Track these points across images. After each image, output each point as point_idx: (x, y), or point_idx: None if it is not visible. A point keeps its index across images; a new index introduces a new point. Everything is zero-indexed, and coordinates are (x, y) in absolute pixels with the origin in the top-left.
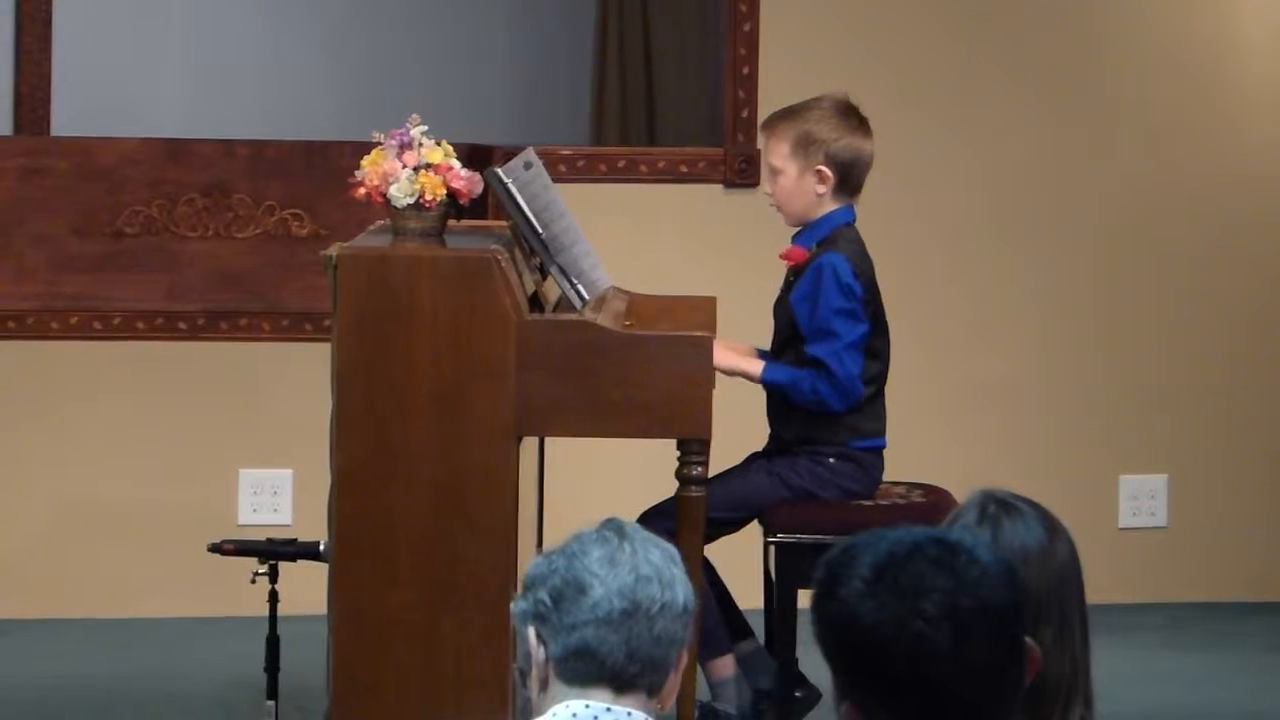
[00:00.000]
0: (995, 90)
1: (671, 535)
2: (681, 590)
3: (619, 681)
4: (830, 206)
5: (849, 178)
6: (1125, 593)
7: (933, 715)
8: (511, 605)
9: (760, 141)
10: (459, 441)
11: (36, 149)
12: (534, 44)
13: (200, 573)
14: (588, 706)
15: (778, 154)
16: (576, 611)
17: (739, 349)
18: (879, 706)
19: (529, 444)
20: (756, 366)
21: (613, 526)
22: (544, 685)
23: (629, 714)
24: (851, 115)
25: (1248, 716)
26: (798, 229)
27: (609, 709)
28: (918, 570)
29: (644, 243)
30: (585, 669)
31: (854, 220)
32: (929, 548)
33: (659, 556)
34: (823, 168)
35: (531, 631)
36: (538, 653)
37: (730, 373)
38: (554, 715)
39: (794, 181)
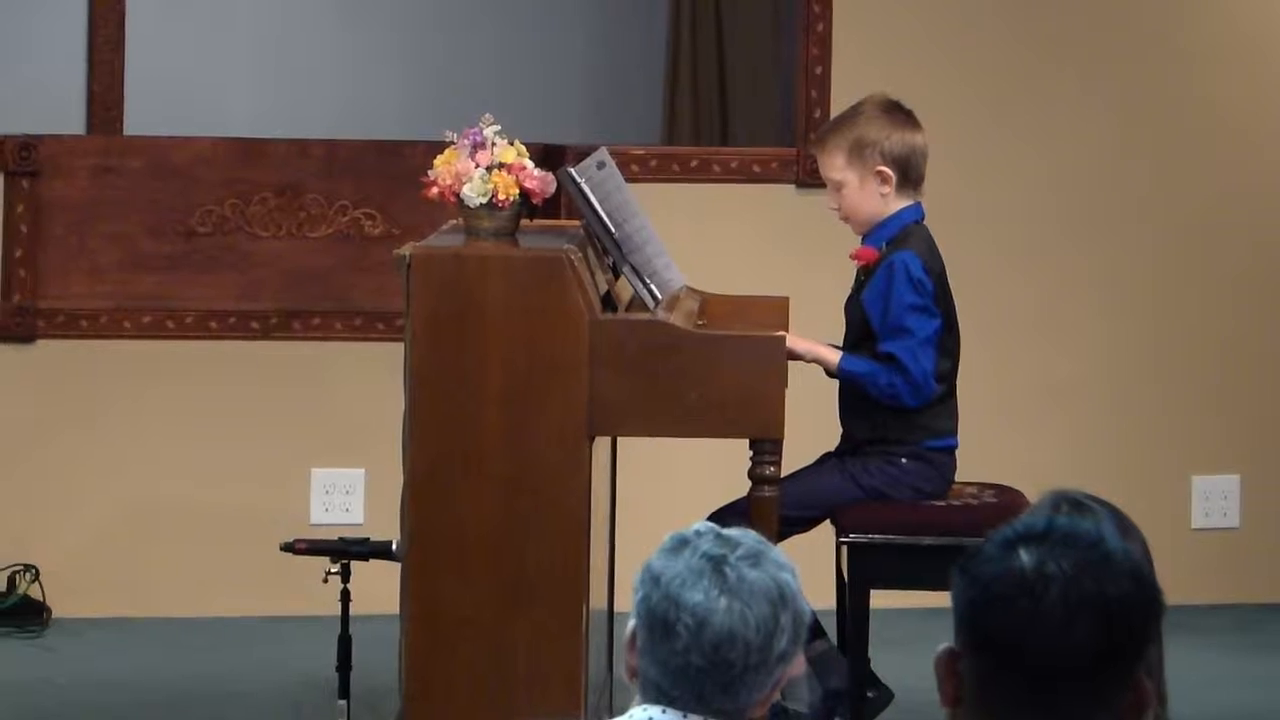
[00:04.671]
0: (1065, 90)
1: None
2: (782, 640)
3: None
4: (897, 205)
5: (909, 172)
6: (1198, 593)
7: (1009, 677)
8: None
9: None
10: (531, 441)
11: (109, 149)
12: (607, 43)
13: (272, 572)
14: (664, 711)
15: (834, 166)
16: (657, 649)
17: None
18: (969, 651)
19: (601, 444)
20: (834, 355)
21: (728, 564)
22: (632, 674)
23: None
24: (896, 111)
25: None
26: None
27: (685, 715)
28: (1057, 541)
29: (716, 243)
30: (657, 695)
31: (922, 218)
32: (1077, 530)
33: (765, 609)
34: (882, 168)
35: (631, 624)
36: (629, 645)
37: (807, 357)
38: (630, 717)
39: (857, 189)
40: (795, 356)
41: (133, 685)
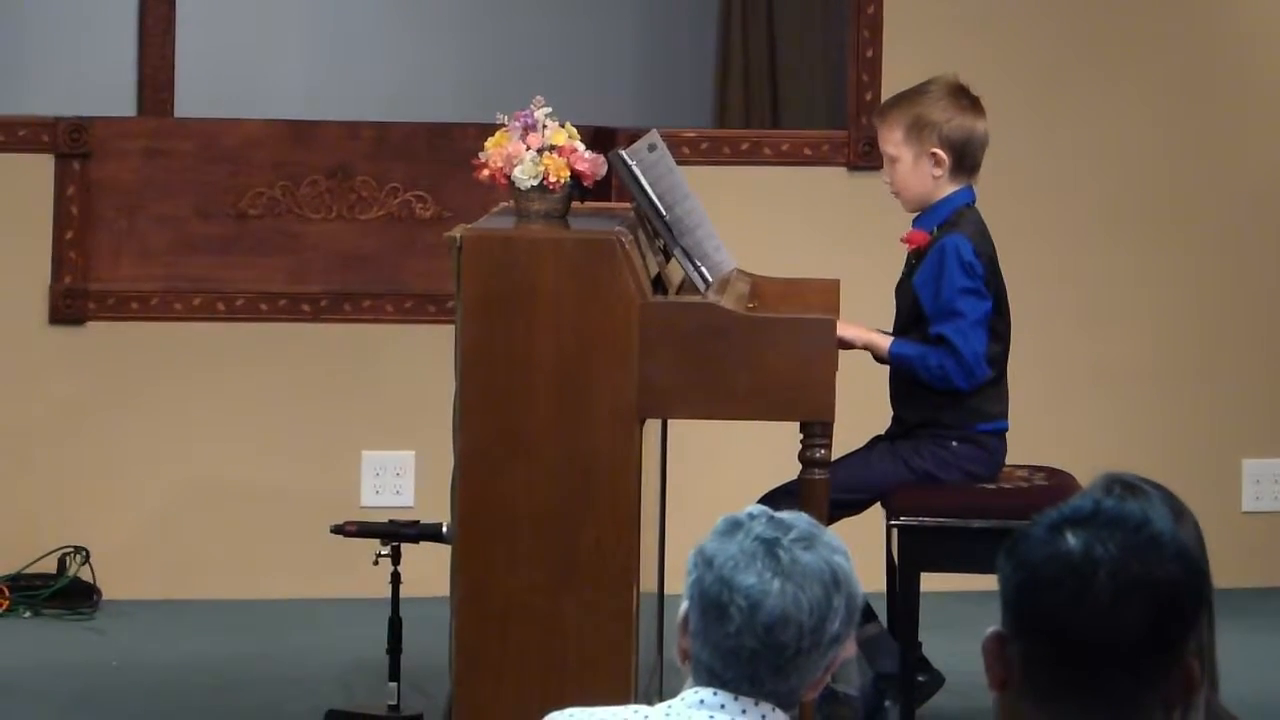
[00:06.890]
0: (1117, 77)
1: None
2: (835, 623)
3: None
4: (949, 189)
5: (964, 158)
6: (1248, 577)
7: (1057, 660)
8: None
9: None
10: (582, 424)
11: (160, 131)
12: (658, 26)
13: (323, 554)
14: (715, 694)
15: (891, 141)
16: (710, 632)
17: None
18: (1017, 636)
19: (651, 427)
20: (884, 341)
21: (781, 547)
22: (684, 657)
23: (755, 703)
24: (962, 96)
25: None
26: (918, 212)
27: (736, 698)
28: (1104, 523)
29: (767, 225)
30: (709, 677)
31: (974, 201)
32: (1124, 512)
33: (818, 592)
34: (937, 150)
35: (684, 606)
36: (682, 627)
37: (858, 344)
38: (682, 699)
39: (910, 166)
40: (846, 345)
41: (183, 667)
